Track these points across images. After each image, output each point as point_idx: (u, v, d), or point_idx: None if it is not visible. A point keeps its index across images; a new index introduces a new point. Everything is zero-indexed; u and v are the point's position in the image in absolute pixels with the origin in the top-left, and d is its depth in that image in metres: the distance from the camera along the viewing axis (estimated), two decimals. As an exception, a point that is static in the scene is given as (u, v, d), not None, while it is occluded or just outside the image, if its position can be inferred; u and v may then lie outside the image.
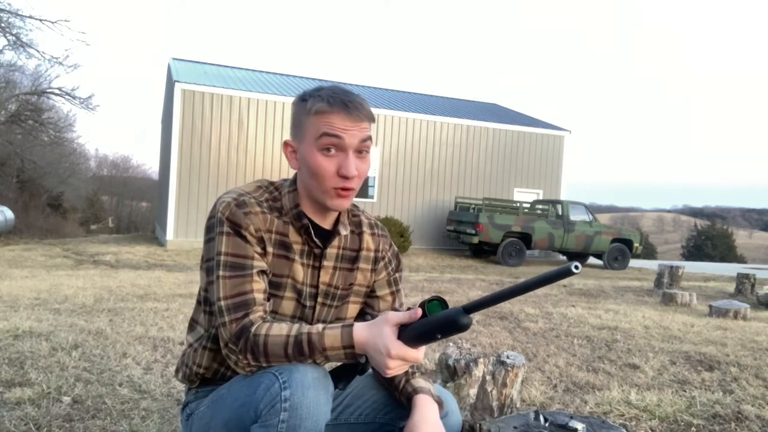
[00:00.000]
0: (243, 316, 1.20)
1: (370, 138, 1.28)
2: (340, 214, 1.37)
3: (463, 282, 8.48)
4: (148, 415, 2.22)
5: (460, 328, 1.07)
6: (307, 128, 1.26)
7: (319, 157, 1.24)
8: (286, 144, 1.33)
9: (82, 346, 3.23)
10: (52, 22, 18.10)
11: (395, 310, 1.48)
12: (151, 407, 2.31)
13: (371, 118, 1.28)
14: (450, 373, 2.17)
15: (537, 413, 1.66)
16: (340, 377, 1.25)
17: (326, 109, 1.23)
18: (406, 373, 1.36)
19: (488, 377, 2.14)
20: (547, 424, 1.61)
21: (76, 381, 2.56)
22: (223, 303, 1.22)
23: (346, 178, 1.24)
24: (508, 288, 1.03)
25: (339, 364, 1.26)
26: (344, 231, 1.38)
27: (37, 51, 27.18)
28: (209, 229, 1.28)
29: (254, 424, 1.14)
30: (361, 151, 1.27)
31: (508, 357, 2.21)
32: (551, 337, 4.16)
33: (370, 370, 1.28)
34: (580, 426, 1.58)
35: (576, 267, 0.90)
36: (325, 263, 1.36)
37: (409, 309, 1.15)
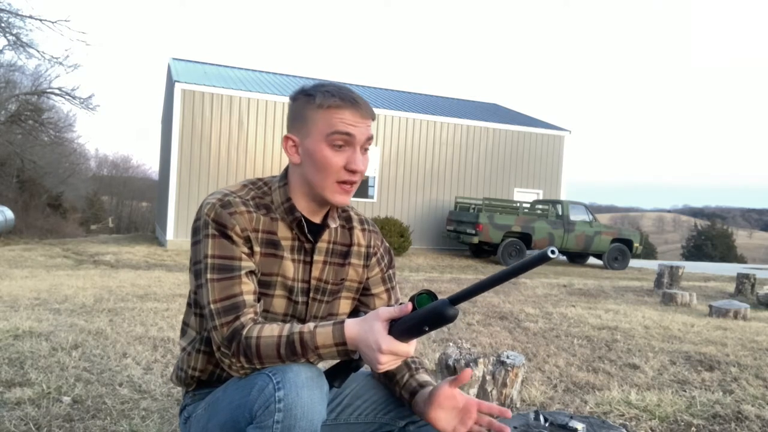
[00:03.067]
0: (234, 319, 1.20)
1: (372, 137, 1.31)
2: (329, 208, 1.37)
3: (463, 282, 8.48)
4: (148, 415, 2.22)
5: (447, 319, 1.07)
6: (316, 123, 1.26)
7: (327, 152, 1.25)
8: (287, 138, 1.32)
9: (82, 346, 3.23)
10: (52, 22, 18.11)
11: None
12: (151, 407, 2.31)
13: (374, 116, 1.31)
14: (450, 373, 2.17)
15: (537, 413, 1.66)
16: (336, 376, 1.25)
17: (339, 104, 1.24)
18: (410, 368, 1.37)
19: (488, 377, 2.13)
20: (547, 424, 1.61)
21: (76, 381, 2.56)
22: (213, 306, 1.21)
23: (353, 172, 1.26)
24: (490, 277, 1.03)
25: (333, 362, 1.26)
26: (333, 223, 1.38)
27: (37, 51, 27.25)
28: (195, 231, 1.27)
29: (249, 426, 1.13)
30: (365, 148, 1.29)
31: (508, 357, 2.21)
32: (551, 337, 4.16)
33: (366, 368, 1.28)
34: (580, 426, 1.58)
35: (552, 252, 0.91)
36: (315, 257, 1.36)
37: (401, 304, 1.16)
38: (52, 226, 23.99)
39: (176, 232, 14.70)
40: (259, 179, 1.37)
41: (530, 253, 15.68)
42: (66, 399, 2.33)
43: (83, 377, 2.64)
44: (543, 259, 0.93)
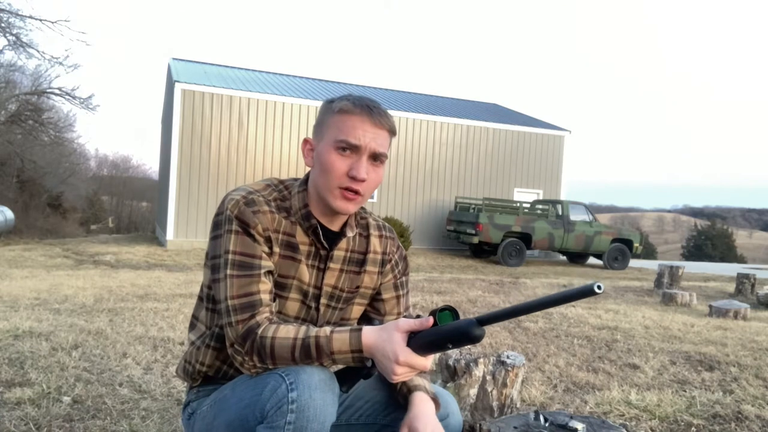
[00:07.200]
0: (250, 317, 1.20)
1: (384, 151, 1.28)
2: (348, 216, 1.37)
3: (463, 282, 8.47)
4: (148, 415, 2.22)
5: (473, 339, 1.07)
6: (329, 126, 1.27)
7: (332, 155, 1.25)
8: (305, 141, 1.33)
9: (82, 346, 3.23)
10: (52, 22, 18.10)
11: (401, 313, 1.47)
12: (151, 407, 2.31)
13: (392, 131, 1.28)
14: (450, 373, 2.17)
15: (537, 413, 1.66)
16: (345, 380, 1.25)
17: (350, 108, 1.24)
18: None
19: (488, 377, 2.13)
20: (547, 424, 1.61)
21: (76, 381, 2.56)
22: (229, 303, 1.21)
23: (354, 179, 1.24)
24: (525, 303, 1.02)
25: (343, 366, 1.26)
26: (350, 232, 1.37)
27: (37, 51, 27.10)
28: (216, 225, 1.27)
29: (260, 425, 1.13)
30: (377, 159, 1.26)
31: (508, 357, 2.20)
32: (551, 337, 4.16)
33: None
34: (580, 426, 1.58)
35: (599, 287, 0.89)
36: (331, 265, 1.35)
37: (418, 316, 1.15)
38: (52, 226, 23.97)
39: (176, 232, 14.70)
40: (281, 182, 1.36)
41: (530, 253, 15.73)
42: (66, 399, 2.32)
43: (83, 377, 2.64)
44: (587, 293, 0.91)
